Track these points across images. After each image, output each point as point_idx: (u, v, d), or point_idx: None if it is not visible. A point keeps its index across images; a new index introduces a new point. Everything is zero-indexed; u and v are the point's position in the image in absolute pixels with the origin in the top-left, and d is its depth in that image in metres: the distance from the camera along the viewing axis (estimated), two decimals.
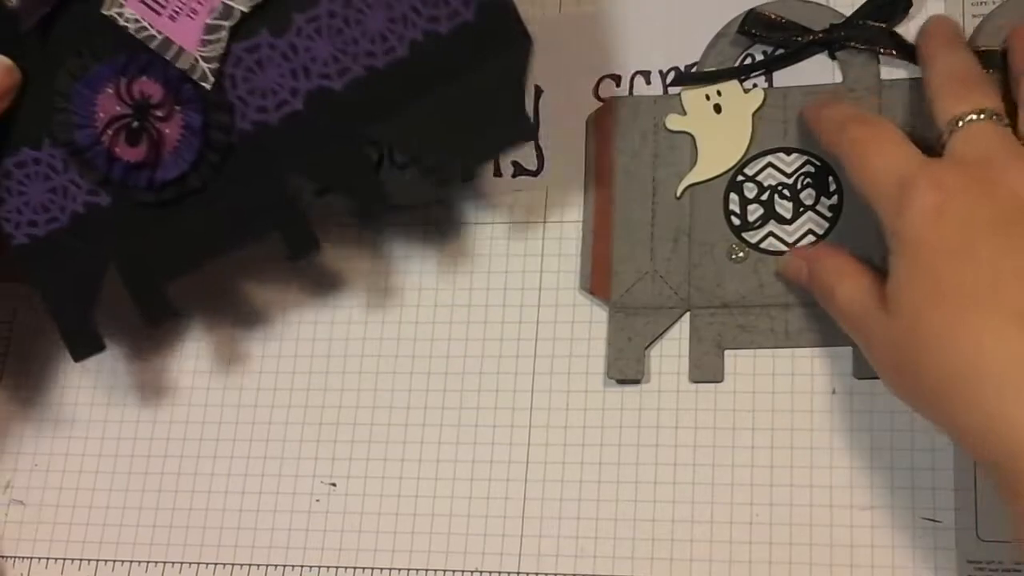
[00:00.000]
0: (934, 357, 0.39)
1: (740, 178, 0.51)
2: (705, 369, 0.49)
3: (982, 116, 0.43)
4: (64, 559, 0.52)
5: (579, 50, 0.48)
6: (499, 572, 0.49)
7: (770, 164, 0.51)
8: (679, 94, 0.52)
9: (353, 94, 0.46)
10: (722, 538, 0.47)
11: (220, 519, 0.51)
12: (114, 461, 0.53)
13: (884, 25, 0.51)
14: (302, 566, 0.50)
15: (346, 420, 0.52)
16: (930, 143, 0.44)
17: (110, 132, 0.47)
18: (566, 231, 0.52)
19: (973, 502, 0.45)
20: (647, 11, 0.48)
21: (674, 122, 0.52)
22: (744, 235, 0.50)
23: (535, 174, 0.53)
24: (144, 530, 0.52)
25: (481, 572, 0.49)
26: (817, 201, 0.50)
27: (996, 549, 0.44)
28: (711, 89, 0.52)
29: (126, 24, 0.46)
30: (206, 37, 0.46)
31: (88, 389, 0.53)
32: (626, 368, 0.50)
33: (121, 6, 0.46)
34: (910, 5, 0.51)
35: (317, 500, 0.51)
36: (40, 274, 0.49)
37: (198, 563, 0.51)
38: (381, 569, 0.49)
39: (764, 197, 0.50)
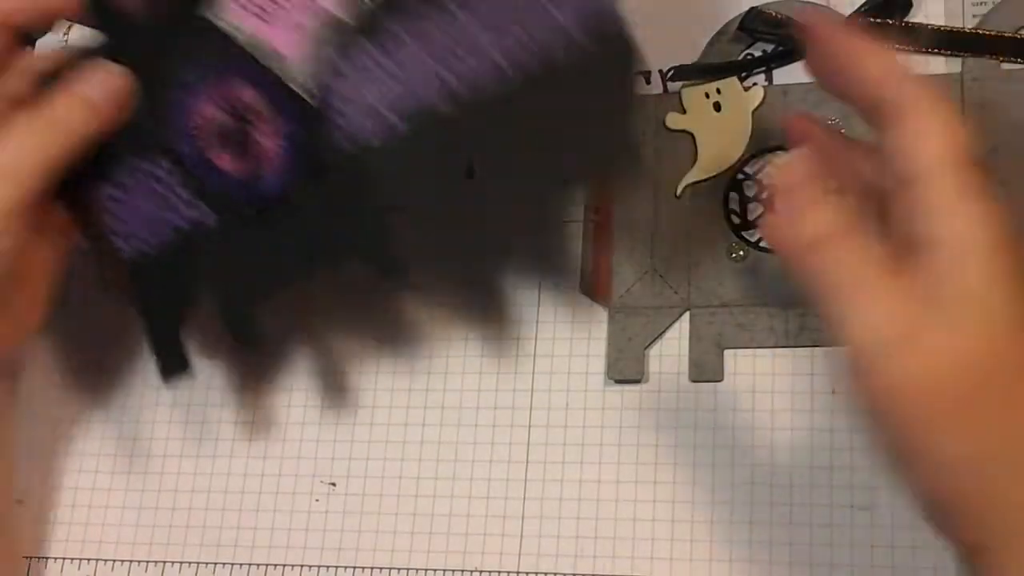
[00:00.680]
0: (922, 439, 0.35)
1: (740, 176, 0.51)
2: (705, 369, 0.49)
3: None
4: (64, 559, 0.52)
5: None
6: (499, 572, 0.49)
7: (771, 162, 0.51)
8: (679, 92, 0.52)
9: (457, 115, 0.45)
10: (722, 538, 0.47)
11: (220, 519, 0.51)
12: (114, 461, 0.53)
13: (888, 22, 0.51)
14: (302, 566, 0.50)
15: (346, 420, 0.52)
16: None
17: (208, 139, 0.47)
18: (566, 231, 0.52)
19: None
20: (647, 10, 0.48)
21: (673, 120, 0.52)
22: (744, 234, 0.50)
23: None
24: (144, 530, 0.52)
25: (481, 572, 0.49)
26: None
27: None
28: (711, 87, 0.52)
29: (235, 34, 0.46)
30: (309, 47, 0.45)
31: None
32: (626, 368, 0.50)
33: (231, 16, 0.46)
34: (910, 5, 0.51)
35: (317, 500, 0.51)
36: (142, 288, 0.49)
37: (198, 563, 0.51)
38: (381, 569, 0.49)
39: (764, 196, 0.50)
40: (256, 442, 0.52)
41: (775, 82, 0.52)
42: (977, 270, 0.35)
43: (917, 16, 0.52)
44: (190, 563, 0.51)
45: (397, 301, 0.52)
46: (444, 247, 0.49)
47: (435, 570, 0.49)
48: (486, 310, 0.50)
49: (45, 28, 0.48)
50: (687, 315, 0.50)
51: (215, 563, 0.51)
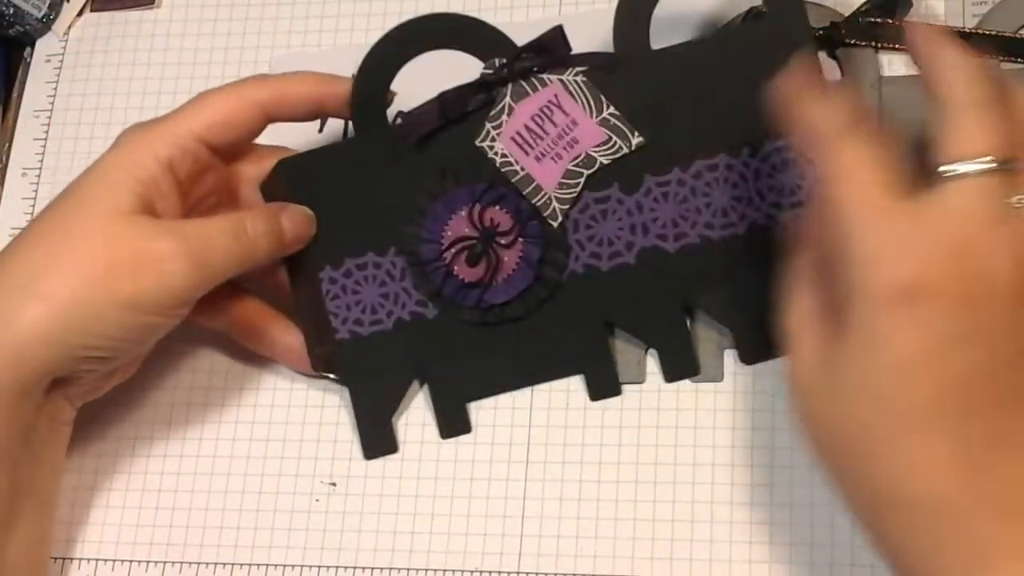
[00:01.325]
0: (864, 467, 0.37)
1: None
2: (705, 369, 0.49)
3: (996, 167, 0.36)
4: (64, 558, 0.52)
5: (578, 50, 0.48)
6: (499, 572, 0.49)
7: None
8: None
9: (684, 259, 0.49)
10: (722, 538, 0.47)
11: (220, 519, 0.51)
12: (114, 461, 0.53)
13: (888, 21, 0.51)
14: (302, 566, 0.50)
15: (346, 420, 0.52)
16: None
17: (453, 251, 0.49)
18: None
19: None
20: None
21: None
22: None
23: None
24: (144, 530, 0.52)
25: (481, 572, 0.49)
26: None
27: None
28: None
29: (493, 157, 0.48)
30: (564, 180, 0.49)
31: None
32: (625, 371, 0.50)
33: (494, 140, 0.48)
34: (910, 5, 0.51)
35: (317, 500, 0.51)
36: (354, 371, 0.51)
37: (198, 563, 0.51)
38: (381, 569, 0.49)
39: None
40: (256, 442, 0.52)
41: None
42: (862, 336, 0.37)
43: (917, 16, 0.52)
44: (190, 563, 0.51)
45: None
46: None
47: (435, 570, 0.49)
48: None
49: (301, 119, 0.50)
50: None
51: (215, 563, 0.51)
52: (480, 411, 0.51)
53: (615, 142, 0.48)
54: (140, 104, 0.59)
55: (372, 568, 0.49)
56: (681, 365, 0.49)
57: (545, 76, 0.48)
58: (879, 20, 0.51)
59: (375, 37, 0.49)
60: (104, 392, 0.50)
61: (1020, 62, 0.50)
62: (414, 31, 0.49)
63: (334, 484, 0.51)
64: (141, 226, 0.46)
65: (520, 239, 0.49)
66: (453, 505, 0.50)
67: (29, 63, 0.62)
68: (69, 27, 0.62)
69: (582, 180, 0.49)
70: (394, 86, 0.49)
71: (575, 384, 0.50)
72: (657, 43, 0.49)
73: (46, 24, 0.62)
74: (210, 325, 0.51)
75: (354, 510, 0.50)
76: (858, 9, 0.51)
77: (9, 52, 0.62)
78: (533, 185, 0.49)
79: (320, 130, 0.51)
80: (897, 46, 0.51)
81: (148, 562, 0.51)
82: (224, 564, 0.50)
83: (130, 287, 0.45)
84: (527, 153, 0.49)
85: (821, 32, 0.51)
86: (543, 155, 0.49)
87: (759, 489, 0.47)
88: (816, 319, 0.40)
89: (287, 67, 0.55)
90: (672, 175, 0.48)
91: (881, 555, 0.38)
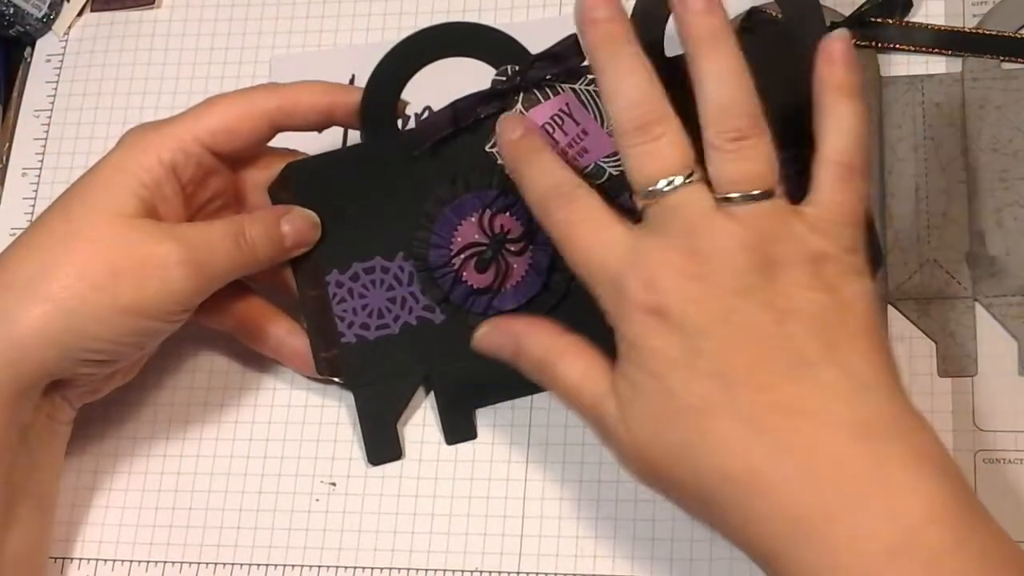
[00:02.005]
0: (686, 472, 0.39)
1: None
2: None
3: (679, 182, 0.40)
4: (64, 558, 0.52)
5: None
6: (499, 572, 0.49)
7: None
8: None
9: None
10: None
11: (220, 519, 0.51)
12: (114, 461, 0.53)
13: (888, 21, 0.51)
14: (302, 566, 0.50)
15: (346, 420, 0.52)
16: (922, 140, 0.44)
17: (463, 256, 0.49)
18: None
19: None
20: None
21: None
22: None
23: None
24: (144, 530, 0.52)
25: (481, 572, 0.49)
26: None
27: None
28: None
29: (503, 164, 0.48)
30: None
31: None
32: None
33: None
34: (911, 5, 0.51)
35: (317, 500, 0.51)
36: (359, 376, 0.50)
37: (198, 563, 0.51)
38: (381, 569, 0.49)
39: None
40: (256, 442, 0.52)
41: None
42: (625, 364, 0.40)
43: (917, 16, 0.52)
44: (190, 563, 0.51)
45: None
46: None
47: (435, 570, 0.49)
48: None
49: (310, 129, 0.50)
50: None
51: (215, 563, 0.51)
52: (480, 411, 0.51)
53: None
54: (140, 104, 0.59)
55: (372, 568, 0.49)
56: None
57: (557, 84, 0.48)
58: (879, 20, 0.51)
59: (375, 37, 0.49)
60: (103, 394, 0.50)
61: (1020, 62, 0.50)
62: (427, 39, 0.49)
63: (334, 484, 0.51)
64: (143, 230, 0.46)
65: (530, 247, 0.49)
66: (453, 505, 0.50)
67: (29, 63, 0.62)
68: (69, 27, 0.62)
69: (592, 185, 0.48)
70: (407, 91, 0.49)
71: None
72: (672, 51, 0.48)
73: (46, 24, 0.62)
74: (215, 326, 0.51)
75: (354, 510, 0.50)
76: (858, 9, 0.51)
77: (9, 52, 0.62)
78: None
79: (344, 140, 0.51)
80: (897, 46, 0.51)
81: (148, 562, 0.51)
82: (224, 564, 0.50)
83: (132, 291, 0.45)
84: None
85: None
86: None
87: None
88: (591, 375, 0.42)
89: (287, 67, 0.56)
90: None
91: (762, 567, 0.39)
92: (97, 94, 0.60)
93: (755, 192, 0.39)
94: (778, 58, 0.46)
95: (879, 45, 0.51)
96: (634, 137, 0.40)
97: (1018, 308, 0.48)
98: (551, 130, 0.48)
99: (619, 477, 0.49)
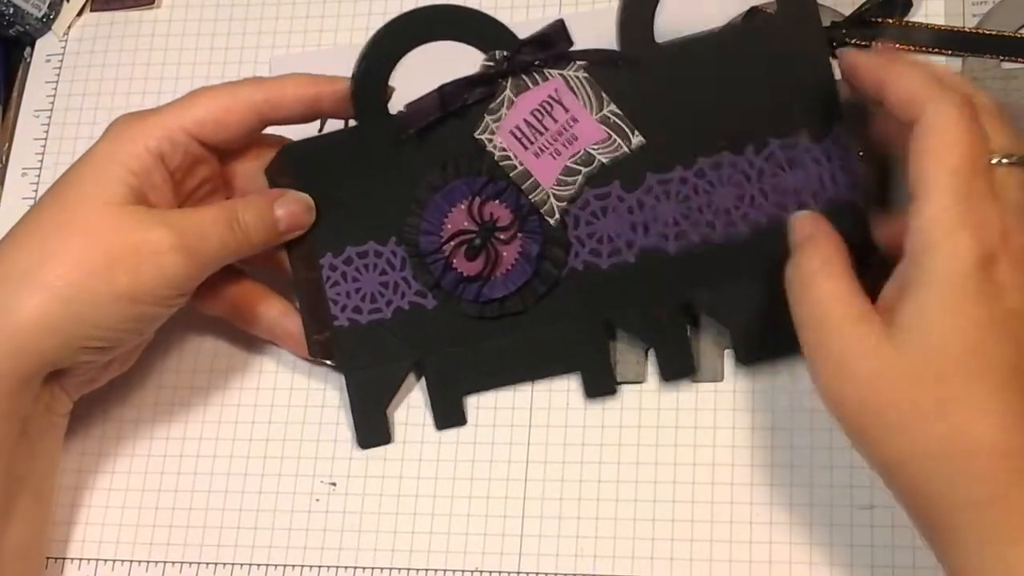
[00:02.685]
0: (931, 423, 0.38)
1: None
2: (705, 369, 0.49)
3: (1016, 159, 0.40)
4: (64, 558, 0.52)
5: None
6: (499, 572, 0.49)
7: None
8: None
9: (685, 258, 0.48)
10: (722, 538, 0.47)
11: (220, 519, 0.51)
12: (114, 461, 0.53)
13: (888, 21, 0.51)
14: (302, 566, 0.50)
15: (346, 420, 0.52)
16: None
17: (453, 244, 0.49)
18: None
19: None
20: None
21: None
22: None
23: None
24: (144, 530, 0.52)
25: (481, 572, 0.49)
26: None
27: None
28: None
29: (492, 151, 0.48)
30: (563, 177, 0.48)
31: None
32: (626, 370, 0.50)
33: (493, 134, 0.49)
34: (911, 5, 0.51)
35: (317, 500, 0.51)
36: (351, 358, 0.51)
37: (198, 563, 0.51)
38: (381, 569, 0.49)
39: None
40: (256, 442, 0.52)
41: None
42: (936, 302, 0.38)
43: (917, 16, 0.52)
44: (190, 563, 0.51)
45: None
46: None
47: (435, 570, 0.49)
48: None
49: (298, 121, 0.50)
50: None
51: (215, 563, 0.51)
52: (480, 411, 0.51)
53: (615, 140, 0.48)
54: (140, 104, 0.59)
55: (372, 568, 0.49)
56: (678, 364, 0.49)
57: (547, 70, 0.48)
58: (879, 20, 0.51)
59: None
60: (101, 384, 0.50)
61: (1020, 62, 0.50)
62: (416, 21, 0.49)
63: (334, 484, 0.51)
64: (135, 217, 0.46)
65: (519, 234, 0.49)
66: (453, 505, 0.50)
67: (29, 63, 0.62)
68: (69, 27, 0.62)
69: (580, 178, 0.48)
70: (395, 77, 0.49)
71: (575, 384, 0.50)
72: (660, 39, 0.49)
73: (46, 24, 0.62)
74: (208, 311, 0.51)
75: (354, 510, 0.50)
76: (858, 9, 0.51)
77: (9, 52, 0.62)
78: (531, 180, 0.49)
79: (320, 130, 0.51)
80: (898, 46, 0.51)
81: (148, 562, 0.51)
82: (224, 564, 0.50)
83: (127, 278, 0.45)
84: (526, 148, 0.49)
85: None
86: (542, 151, 0.48)
87: (759, 489, 0.47)
88: (850, 298, 0.41)
89: (287, 67, 0.55)
90: (674, 173, 0.48)
91: (919, 519, 0.39)
92: (97, 94, 0.60)
93: None
94: (770, 55, 0.46)
95: (880, 45, 0.51)
96: (993, 113, 0.42)
97: None
98: (540, 116, 0.48)
99: (619, 477, 0.49)
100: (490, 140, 0.49)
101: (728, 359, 0.49)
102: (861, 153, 0.47)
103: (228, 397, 0.53)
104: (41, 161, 0.59)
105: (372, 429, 0.51)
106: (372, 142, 0.50)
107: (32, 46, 0.62)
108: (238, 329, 0.53)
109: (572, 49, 0.48)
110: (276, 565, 0.50)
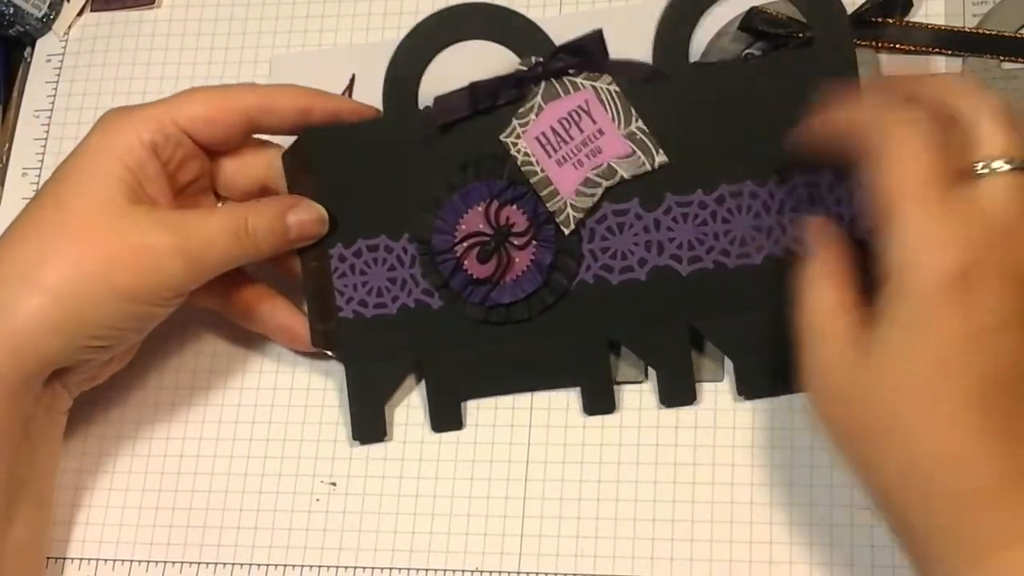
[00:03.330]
0: (901, 437, 0.38)
1: None
2: (704, 369, 0.49)
3: (1016, 165, 0.39)
4: (64, 558, 0.52)
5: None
6: (499, 572, 0.49)
7: None
8: None
9: (695, 283, 0.48)
10: (722, 538, 0.47)
11: (220, 519, 0.51)
12: (114, 461, 0.53)
13: (888, 21, 0.51)
14: (302, 566, 0.50)
15: (346, 419, 0.52)
16: None
17: (465, 245, 0.49)
18: None
19: None
20: (647, 10, 0.48)
21: None
22: None
23: None
24: (144, 530, 0.52)
25: (481, 572, 0.49)
26: None
27: None
28: None
29: (515, 154, 0.48)
30: (582, 188, 0.48)
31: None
32: (626, 371, 0.50)
33: (518, 137, 0.48)
34: (911, 5, 0.51)
35: (317, 500, 0.51)
36: (353, 351, 0.50)
37: (198, 563, 0.51)
38: (381, 569, 0.49)
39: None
40: (256, 442, 0.52)
41: None
42: (905, 317, 0.38)
43: (917, 16, 0.52)
44: (190, 563, 0.51)
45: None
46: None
47: (435, 570, 0.49)
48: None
49: (287, 131, 0.50)
50: None
51: (215, 563, 0.51)
52: (480, 411, 0.51)
53: (639, 157, 0.48)
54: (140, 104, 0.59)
55: (372, 568, 0.49)
56: (678, 391, 0.49)
57: (579, 80, 0.48)
58: (879, 20, 0.51)
59: (375, 37, 0.49)
60: (101, 380, 0.50)
61: (1020, 62, 0.50)
62: (452, 18, 0.49)
63: (334, 484, 0.51)
64: (136, 217, 0.46)
65: (534, 242, 0.49)
66: (453, 505, 0.50)
67: (29, 63, 0.62)
68: (69, 27, 0.62)
69: (600, 191, 0.48)
70: (426, 74, 0.49)
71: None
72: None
73: (46, 24, 0.62)
74: (204, 304, 0.51)
75: (354, 510, 0.50)
76: (858, 9, 0.51)
77: (9, 52, 0.62)
78: (550, 188, 0.48)
79: (295, 133, 0.51)
80: (897, 46, 0.51)
81: (148, 562, 0.51)
82: (224, 564, 0.50)
83: (127, 278, 0.45)
84: (549, 155, 0.48)
85: None
86: (565, 159, 0.48)
87: (759, 489, 0.47)
88: (841, 309, 0.41)
89: (287, 67, 0.56)
90: (695, 196, 0.48)
91: (898, 535, 0.39)
92: (97, 94, 0.60)
93: None
94: (800, 84, 0.46)
95: (879, 45, 0.51)
96: (993, 115, 0.40)
97: None
98: (567, 125, 0.47)
99: (619, 477, 0.49)
100: (515, 144, 0.48)
101: (728, 359, 0.49)
102: None
103: (228, 397, 0.53)
104: (41, 161, 0.59)
105: (368, 424, 0.51)
106: (395, 135, 0.49)
107: (32, 46, 0.62)
108: (238, 328, 0.53)
109: (607, 60, 0.48)
110: (276, 565, 0.50)
